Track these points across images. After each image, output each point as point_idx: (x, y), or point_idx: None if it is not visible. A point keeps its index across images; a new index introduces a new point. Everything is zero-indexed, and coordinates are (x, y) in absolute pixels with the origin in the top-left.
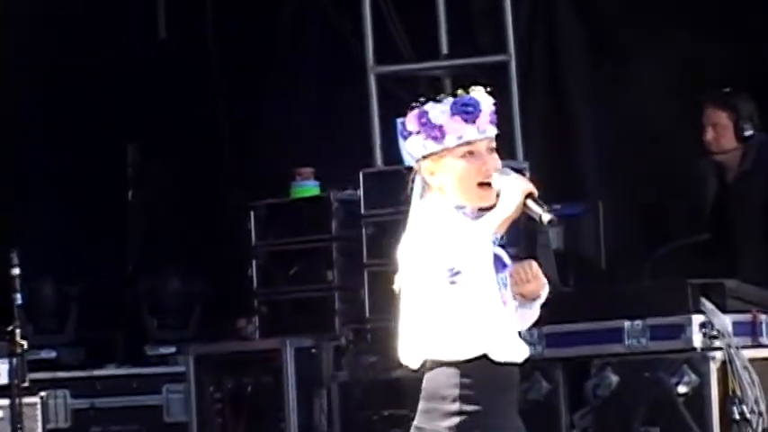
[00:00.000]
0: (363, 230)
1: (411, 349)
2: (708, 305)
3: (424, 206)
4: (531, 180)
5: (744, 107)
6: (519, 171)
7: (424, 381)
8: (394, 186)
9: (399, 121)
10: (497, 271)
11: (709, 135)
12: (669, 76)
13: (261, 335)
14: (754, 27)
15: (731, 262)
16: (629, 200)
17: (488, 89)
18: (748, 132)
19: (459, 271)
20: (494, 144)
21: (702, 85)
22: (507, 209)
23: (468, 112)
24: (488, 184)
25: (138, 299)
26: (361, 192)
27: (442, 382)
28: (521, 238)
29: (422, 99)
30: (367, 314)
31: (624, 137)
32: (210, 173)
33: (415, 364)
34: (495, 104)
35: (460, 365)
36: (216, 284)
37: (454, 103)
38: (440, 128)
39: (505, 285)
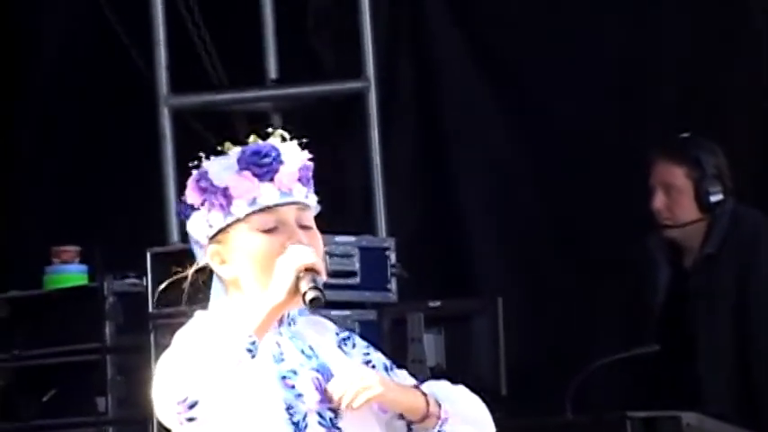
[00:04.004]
0: (153, 337)
1: None
2: None
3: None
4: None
5: (709, 160)
6: (381, 251)
7: None
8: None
9: (182, 199)
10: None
11: (660, 202)
12: (594, 104)
13: None
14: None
15: (690, 386)
16: (542, 294)
17: (302, 140)
18: (716, 197)
19: (195, 401)
20: (308, 215)
21: (645, 117)
22: (274, 296)
23: (261, 164)
24: None
25: None
26: (148, 281)
27: None
28: (383, 350)
29: (202, 155)
30: None
31: (533, 197)
32: None
33: None
34: (310, 160)
35: None
36: None
37: (242, 153)
38: (224, 191)
39: (330, 417)
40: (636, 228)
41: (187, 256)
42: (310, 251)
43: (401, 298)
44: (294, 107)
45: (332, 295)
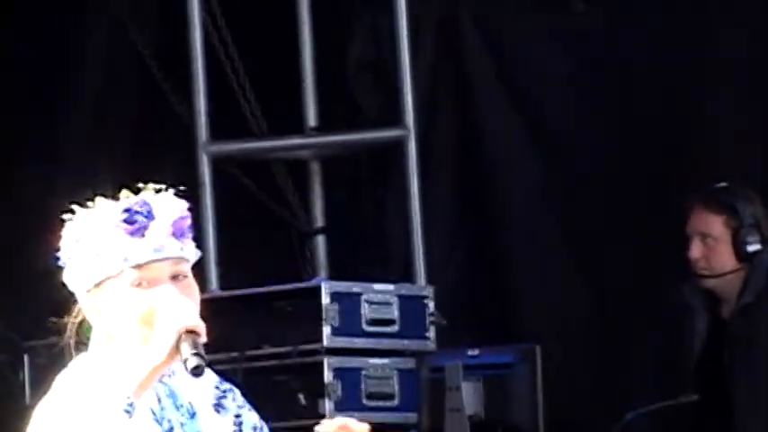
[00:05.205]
0: None
1: None
2: None
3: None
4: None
5: (746, 209)
6: (420, 299)
7: None
8: (239, 319)
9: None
10: None
11: (697, 251)
12: (639, 161)
13: None
14: None
15: None
16: (580, 343)
17: (179, 190)
18: (753, 247)
19: None
20: (183, 267)
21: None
22: (155, 356)
23: (132, 221)
24: None
25: None
26: None
27: None
28: (421, 399)
29: (72, 206)
30: None
31: (570, 246)
32: None
33: None
34: (189, 210)
35: None
36: None
37: (114, 209)
38: (97, 247)
39: None
40: (673, 276)
41: (231, 304)
42: (192, 310)
43: (439, 346)
44: (333, 155)
45: (371, 343)
